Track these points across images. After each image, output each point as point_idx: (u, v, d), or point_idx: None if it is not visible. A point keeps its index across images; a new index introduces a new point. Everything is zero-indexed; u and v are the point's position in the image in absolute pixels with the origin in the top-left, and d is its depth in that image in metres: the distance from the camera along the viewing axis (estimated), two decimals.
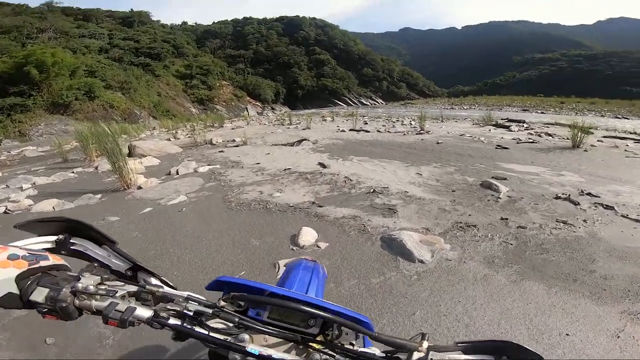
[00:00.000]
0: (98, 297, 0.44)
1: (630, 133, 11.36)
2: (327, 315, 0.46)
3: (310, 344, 0.47)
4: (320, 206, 3.40)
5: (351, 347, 0.47)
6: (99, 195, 4.32)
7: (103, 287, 0.46)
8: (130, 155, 7.64)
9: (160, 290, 0.47)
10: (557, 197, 3.53)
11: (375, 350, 0.47)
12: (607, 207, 3.21)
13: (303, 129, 11.75)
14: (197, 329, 0.44)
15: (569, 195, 3.55)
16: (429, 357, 0.44)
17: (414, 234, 2.58)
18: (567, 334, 1.63)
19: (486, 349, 0.45)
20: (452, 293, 1.99)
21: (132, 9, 60.59)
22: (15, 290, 0.42)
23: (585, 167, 5.11)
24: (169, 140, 10.77)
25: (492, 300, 1.91)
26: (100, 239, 0.56)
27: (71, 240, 0.55)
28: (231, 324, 0.45)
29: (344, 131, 10.60)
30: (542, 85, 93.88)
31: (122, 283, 0.48)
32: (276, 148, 7.57)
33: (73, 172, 6.01)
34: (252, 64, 70.91)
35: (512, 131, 10.17)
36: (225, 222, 3.19)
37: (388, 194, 3.73)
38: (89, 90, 26.01)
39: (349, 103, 67.77)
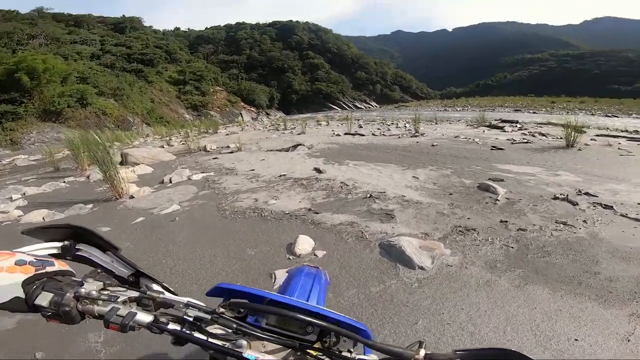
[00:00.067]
0: (100, 302, 0.45)
1: (622, 131, 11.48)
2: (321, 323, 0.46)
3: (308, 350, 0.48)
4: (316, 213, 3.33)
5: (349, 354, 0.48)
6: (90, 205, 4.22)
7: (105, 292, 0.47)
8: (122, 163, 7.54)
9: (161, 296, 0.48)
10: (555, 198, 3.50)
11: (374, 357, 0.47)
12: (606, 206, 3.19)
13: (298, 134, 11.70)
14: (196, 334, 0.45)
15: (567, 195, 3.53)
16: None
17: (413, 240, 2.52)
18: (576, 339, 1.58)
19: (485, 358, 0.45)
20: (454, 300, 1.93)
21: (123, 15, 60.42)
22: (21, 294, 0.43)
23: (580, 167, 5.12)
24: (162, 147, 10.64)
25: (496, 306, 1.86)
26: (104, 246, 0.57)
27: (76, 247, 0.56)
28: (230, 330, 0.46)
29: (339, 135, 10.57)
30: (533, 85, 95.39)
31: (124, 289, 0.49)
32: (271, 154, 7.49)
33: (64, 182, 5.89)
34: (246, 69, 70.91)
35: (505, 132, 10.22)
36: (220, 231, 3.11)
37: (385, 199, 3.67)
38: (81, 97, 25.74)
39: (343, 107, 68.02)
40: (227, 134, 14.24)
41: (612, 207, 3.16)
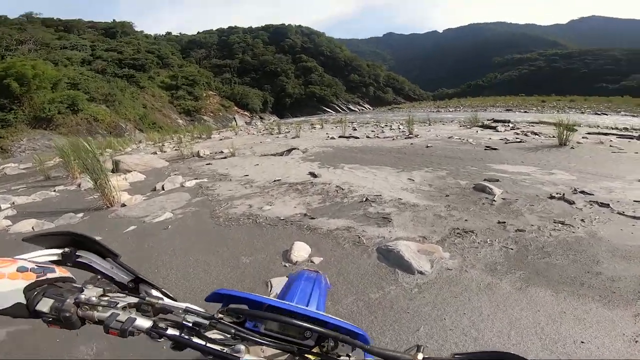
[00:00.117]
0: (100, 308, 0.46)
1: (612, 128, 11.65)
2: (318, 328, 0.47)
3: (306, 355, 0.49)
4: (312, 218, 3.27)
5: (347, 359, 0.49)
6: (80, 214, 4.13)
7: (105, 298, 0.48)
8: (114, 171, 7.42)
9: (160, 302, 0.49)
10: (552, 197, 3.49)
11: None
12: (603, 204, 3.19)
13: (292, 138, 11.65)
14: (195, 339, 0.46)
15: (563, 194, 3.53)
16: None
17: (411, 244, 2.47)
18: (582, 342, 1.55)
19: None
20: (456, 305, 1.88)
21: (114, 20, 60.06)
22: (23, 300, 0.44)
23: (574, 165, 5.14)
24: (155, 153, 10.51)
25: (498, 310, 1.82)
26: (104, 252, 0.58)
27: (77, 253, 0.57)
28: (228, 335, 0.46)
29: (334, 138, 10.54)
30: (523, 84, 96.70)
31: (124, 295, 0.50)
32: (265, 158, 7.43)
33: (54, 191, 5.77)
34: (239, 74, 70.80)
35: (498, 131, 10.27)
36: (213, 239, 3.04)
37: (381, 202, 3.63)
38: (72, 103, 25.41)
39: (337, 110, 68.20)
40: (221, 139, 14.13)
41: (608, 205, 3.16)
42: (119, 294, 0.50)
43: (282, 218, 3.35)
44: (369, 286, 2.13)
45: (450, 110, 37.56)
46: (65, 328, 0.45)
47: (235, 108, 54.58)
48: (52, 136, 20.72)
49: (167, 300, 0.51)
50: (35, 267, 0.46)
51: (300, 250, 2.56)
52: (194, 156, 8.73)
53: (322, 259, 2.50)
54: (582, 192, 3.62)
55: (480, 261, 2.30)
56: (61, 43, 42.69)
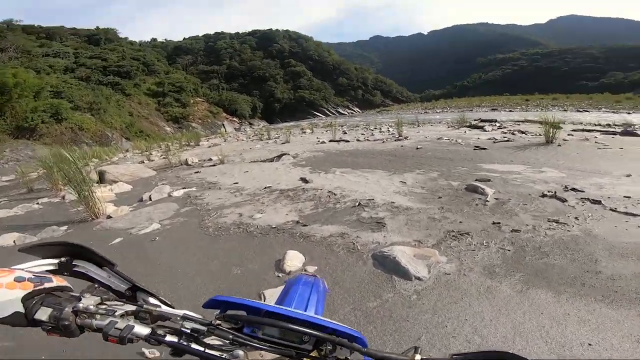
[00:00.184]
0: (98, 316, 0.46)
1: (595, 125, 11.94)
2: (315, 333, 0.48)
3: (305, 359, 0.49)
4: (305, 225, 3.18)
5: None
6: (64, 227, 3.98)
7: (103, 306, 0.48)
8: (100, 181, 7.22)
9: (158, 309, 0.49)
10: (544, 195, 3.49)
11: None
12: (594, 201, 3.20)
13: (282, 143, 11.55)
14: (194, 345, 0.46)
15: (555, 192, 3.53)
16: None
17: (406, 249, 2.41)
18: (590, 344, 1.51)
19: None
20: (456, 311, 1.83)
21: (97, 27, 58.97)
22: (21, 309, 0.44)
23: (563, 162, 5.19)
24: (142, 162, 10.28)
25: (501, 314, 1.77)
26: (100, 261, 0.58)
27: (73, 263, 0.57)
28: (227, 341, 0.47)
29: (324, 142, 10.48)
30: (507, 84, 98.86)
31: (122, 303, 0.50)
32: (255, 165, 7.31)
33: (38, 203, 5.58)
34: (227, 79, 70.44)
35: (486, 131, 10.40)
36: (203, 250, 2.92)
37: (374, 206, 3.57)
38: (56, 112, 24.76)
39: (327, 113, 68.47)
40: (210, 146, 13.93)
41: (600, 201, 3.17)
42: (116, 302, 0.50)
43: (273, 226, 3.25)
44: (366, 294, 2.06)
45: (438, 111, 38.07)
46: (64, 336, 0.45)
47: (224, 114, 54.14)
48: (35, 146, 20.12)
49: (164, 308, 0.52)
50: (33, 276, 0.47)
51: (294, 259, 2.47)
52: (182, 164, 8.55)
53: (316, 267, 2.42)
54: (573, 189, 3.64)
55: (478, 264, 2.25)
56: (43, 50, 41.68)
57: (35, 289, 0.46)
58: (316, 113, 67.92)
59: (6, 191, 7.73)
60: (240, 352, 0.47)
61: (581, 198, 3.33)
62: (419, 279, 2.13)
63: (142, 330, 0.46)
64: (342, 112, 72.96)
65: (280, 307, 0.55)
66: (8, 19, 46.78)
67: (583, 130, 9.70)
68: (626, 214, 2.86)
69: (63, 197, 5.79)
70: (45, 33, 50.39)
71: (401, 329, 1.75)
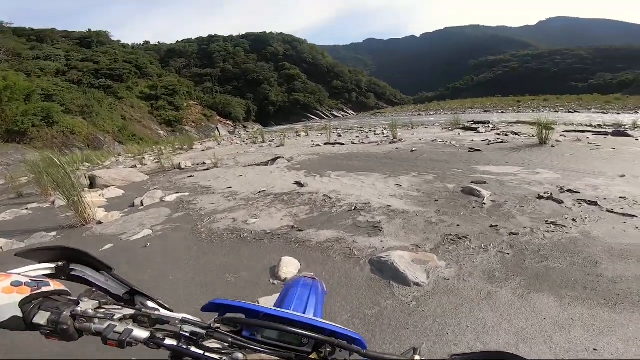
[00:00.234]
0: (97, 320, 0.46)
1: (587, 126, 12.10)
2: (314, 335, 0.48)
3: None
4: (300, 230, 3.11)
5: None
6: (53, 233, 3.89)
7: (101, 310, 0.48)
8: (91, 186, 7.09)
9: (156, 312, 0.49)
10: (540, 197, 3.48)
11: None
12: (591, 202, 3.19)
13: (277, 147, 11.47)
14: (193, 349, 0.46)
15: (551, 193, 3.52)
16: None
17: (404, 254, 2.36)
18: (595, 349, 1.48)
19: None
20: (458, 317, 1.78)
21: (89, 29, 58.39)
22: (19, 313, 0.44)
23: (557, 163, 5.21)
24: (134, 167, 10.12)
25: (503, 320, 1.73)
26: (97, 265, 0.58)
27: (70, 267, 0.57)
28: (226, 344, 0.47)
29: (319, 145, 10.43)
30: (498, 85, 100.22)
31: (120, 306, 0.50)
32: (249, 169, 7.21)
33: (27, 209, 5.48)
34: (220, 82, 70.23)
35: (480, 133, 10.44)
36: (195, 256, 2.84)
37: (370, 210, 3.51)
38: (47, 115, 24.42)
39: (321, 116, 68.57)
40: (203, 150, 13.80)
41: (596, 203, 3.16)
42: (115, 306, 0.50)
43: (268, 231, 3.17)
44: (364, 302, 2.00)
45: (431, 113, 38.38)
46: (63, 340, 0.45)
47: (218, 117, 53.91)
48: (26, 150, 19.78)
49: (163, 311, 0.52)
50: (30, 281, 0.47)
51: (289, 266, 2.41)
52: (175, 168, 8.42)
53: (312, 274, 2.35)
54: (569, 190, 3.64)
55: (478, 268, 2.21)
56: (34, 53, 41.17)
57: (33, 293, 0.46)
58: (311, 116, 67.97)
59: None
60: (240, 355, 0.46)
61: (577, 199, 3.32)
62: (417, 284, 2.08)
63: (141, 333, 0.46)
64: (337, 114, 73.17)
65: (279, 309, 0.56)
66: None
67: (575, 131, 9.79)
68: (623, 215, 2.85)
69: (53, 203, 5.68)
70: (36, 36, 49.81)
71: (401, 337, 1.69)
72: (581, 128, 10.84)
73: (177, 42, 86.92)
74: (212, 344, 0.47)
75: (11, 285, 0.45)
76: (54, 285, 0.49)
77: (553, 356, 1.47)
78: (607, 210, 2.97)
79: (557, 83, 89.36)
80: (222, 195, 4.87)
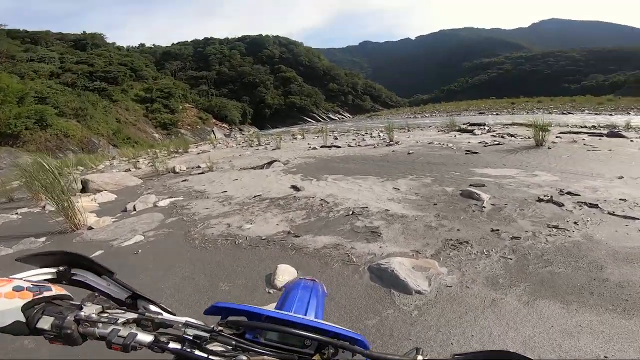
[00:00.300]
0: (100, 324, 0.46)
1: (581, 127, 12.18)
2: (317, 337, 0.48)
3: None
4: (296, 236, 3.02)
5: None
6: (42, 239, 3.80)
7: (105, 314, 0.48)
8: (84, 190, 6.96)
9: (160, 316, 0.49)
10: (540, 200, 3.43)
11: None
12: (591, 205, 3.14)
13: (273, 150, 11.39)
14: (197, 352, 0.46)
15: (551, 196, 3.47)
16: None
17: (404, 260, 2.28)
18: (606, 357, 1.43)
19: None
20: (462, 327, 1.71)
21: (84, 32, 57.90)
22: (22, 318, 0.44)
23: (554, 165, 5.18)
24: (128, 170, 9.98)
25: (509, 328, 1.66)
26: (99, 270, 0.58)
27: (71, 271, 0.58)
28: (229, 347, 0.47)
29: (316, 148, 10.36)
30: (492, 87, 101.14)
31: (123, 311, 0.50)
32: (245, 172, 7.11)
33: (17, 213, 5.36)
34: (216, 85, 70.05)
35: (476, 135, 10.45)
36: (188, 263, 2.74)
37: (368, 215, 3.43)
38: (40, 118, 24.14)
39: (317, 119, 68.59)
40: (199, 153, 13.67)
41: (597, 205, 3.12)
42: (118, 310, 0.50)
43: (263, 237, 3.08)
44: (364, 311, 1.92)
45: (427, 115, 38.48)
46: (67, 344, 0.45)
47: (214, 120, 53.69)
48: (19, 154, 19.48)
49: (166, 315, 0.52)
50: (31, 285, 0.47)
51: (285, 274, 2.32)
52: (169, 172, 8.30)
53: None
54: (569, 192, 3.59)
55: (480, 275, 2.14)
56: (28, 55, 40.74)
57: (35, 297, 0.46)
58: (307, 119, 67.98)
59: None
60: (243, 358, 0.46)
61: (578, 202, 3.28)
62: (419, 292, 2.00)
63: (145, 337, 0.45)
64: (333, 117, 73.24)
65: (281, 312, 0.56)
66: None
67: (570, 132, 9.84)
68: (625, 217, 2.81)
69: (43, 207, 5.57)
70: (30, 38, 49.36)
71: (403, 349, 1.62)
72: (576, 129, 10.90)
73: (173, 44, 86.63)
74: (216, 347, 0.47)
75: (13, 290, 0.45)
76: (56, 290, 0.49)
77: None
78: (609, 213, 2.93)
79: (550, 85, 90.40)
80: (216, 200, 4.77)
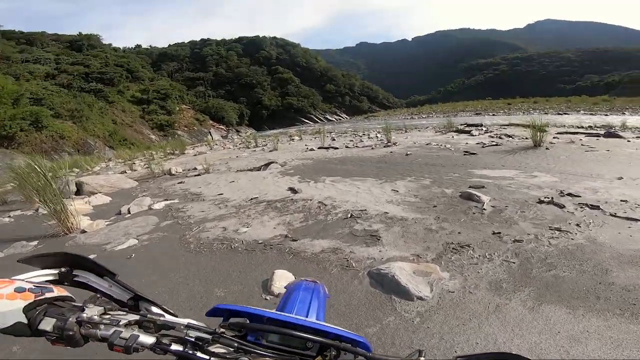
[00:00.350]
0: (102, 326, 0.46)
1: (578, 127, 12.20)
2: (319, 339, 0.48)
3: None
4: (294, 240, 2.95)
5: None
6: (34, 242, 3.72)
7: (107, 316, 0.48)
8: (78, 193, 6.86)
9: (161, 318, 0.49)
10: (541, 202, 3.38)
11: None
12: (593, 206, 3.10)
13: (270, 151, 11.30)
14: (199, 354, 0.46)
15: (552, 198, 3.43)
16: None
17: (405, 265, 2.23)
18: None
19: None
20: (466, 334, 1.65)
21: (80, 33, 57.47)
22: (23, 319, 0.44)
23: (553, 166, 5.15)
24: (124, 172, 9.87)
25: (515, 335, 1.61)
26: (100, 271, 0.58)
27: (73, 273, 0.58)
28: (231, 349, 0.47)
29: (313, 150, 10.29)
30: (489, 88, 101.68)
31: (125, 312, 0.50)
32: (241, 174, 7.03)
33: (9, 216, 5.28)
34: (213, 86, 69.85)
35: (473, 135, 10.43)
36: (182, 268, 2.67)
37: (367, 218, 3.37)
38: (36, 119, 23.93)
39: (315, 120, 68.53)
40: (195, 155, 13.56)
41: (598, 207, 3.08)
42: (120, 312, 0.50)
43: (260, 241, 3.01)
44: (364, 318, 1.86)
45: (424, 116, 38.53)
46: (69, 346, 0.45)
47: (211, 122, 53.48)
48: (14, 156, 19.27)
49: (168, 317, 0.51)
50: (33, 287, 0.47)
51: (282, 280, 2.25)
52: (165, 174, 8.20)
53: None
54: (569, 194, 3.55)
55: (483, 279, 2.08)
56: (23, 56, 40.40)
57: (37, 299, 0.46)
58: (304, 120, 67.93)
59: None
60: None
61: (579, 203, 3.24)
62: (421, 298, 1.94)
63: (147, 339, 0.45)
64: (330, 118, 73.22)
65: (283, 314, 0.55)
66: None
67: (567, 132, 9.85)
68: (627, 219, 2.77)
69: (37, 210, 5.46)
70: (25, 39, 48.98)
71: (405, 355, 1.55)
72: (573, 130, 10.92)
73: (169, 45, 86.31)
74: (218, 348, 0.47)
75: (15, 291, 0.45)
76: (58, 291, 0.49)
77: None
78: (610, 215, 2.89)
79: (545, 85, 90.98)
80: (212, 203, 4.69)
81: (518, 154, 6.44)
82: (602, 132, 9.41)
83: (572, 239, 2.49)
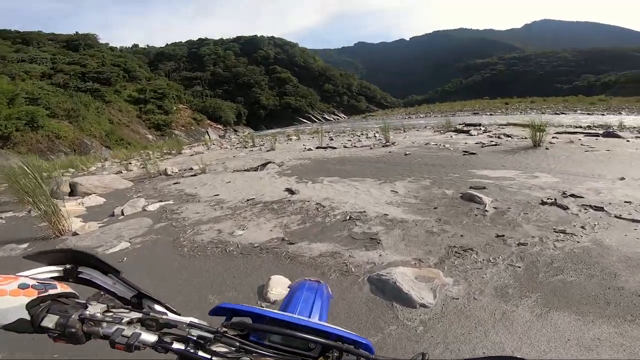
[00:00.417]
0: (105, 323, 0.46)
1: (576, 127, 12.19)
2: (321, 340, 0.48)
3: None
4: (291, 243, 2.86)
5: None
6: (24, 245, 3.61)
7: (109, 314, 0.48)
8: (72, 194, 6.73)
9: (164, 316, 0.49)
10: (544, 203, 3.31)
11: None
12: (597, 208, 3.03)
13: (267, 151, 11.20)
14: (201, 353, 0.46)
15: (555, 199, 3.36)
16: None
17: (407, 270, 2.14)
18: None
19: None
20: (472, 343, 1.57)
21: (77, 32, 57.15)
22: (26, 316, 0.44)
23: (554, 166, 5.09)
24: (119, 173, 9.73)
25: (523, 344, 1.53)
26: (105, 269, 0.58)
27: (78, 269, 0.58)
28: (233, 349, 0.47)
29: (311, 149, 10.20)
30: (486, 88, 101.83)
31: (128, 310, 0.50)
32: (238, 174, 6.92)
33: (1, 218, 5.16)
34: (211, 86, 69.56)
35: (472, 135, 10.38)
36: (175, 273, 2.58)
37: (367, 220, 3.28)
38: (31, 119, 23.73)
39: (313, 120, 68.40)
40: (192, 154, 13.42)
41: (602, 208, 3.01)
42: (123, 310, 0.49)
43: (256, 245, 2.91)
44: (365, 327, 1.77)
45: (422, 116, 38.49)
46: (70, 343, 0.45)
47: (208, 121, 53.25)
48: (9, 156, 19.07)
49: (171, 315, 0.51)
50: (37, 283, 0.47)
51: (279, 286, 2.16)
52: (161, 174, 8.08)
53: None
54: (572, 195, 3.49)
55: (488, 285, 2.00)
56: (19, 56, 40.10)
57: (40, 295, 0.45)
58: (302, 120, 67.78)
59: None
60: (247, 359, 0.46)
61: (582, 205, 3.17)
62: (424, 306, 1.86)
63: (149, 337, 0.45)
64: (328, 118, 73.12)
65: (286, 314, 0.55)
66: None
67: (566, 132, 9.81)
68: (633, 221, 2.70)
69: (29, 212, 5.34)
70: (21, 38, 48.64)
71: None
72: (571, 129, 10.90)
73: (167, 45, 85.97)
74: (219, 348, 0.47)
75: (18, 287, 0.45)
76: (61, 288, 0.49)
77: None
78: (615, 216, 2.82)
79: (543, 85, 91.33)
80: (208, 204, 4.59)
81: (518, 154, 6.38)
82: (601, 131, 9.38)
83: (578, 242, 2.42)
